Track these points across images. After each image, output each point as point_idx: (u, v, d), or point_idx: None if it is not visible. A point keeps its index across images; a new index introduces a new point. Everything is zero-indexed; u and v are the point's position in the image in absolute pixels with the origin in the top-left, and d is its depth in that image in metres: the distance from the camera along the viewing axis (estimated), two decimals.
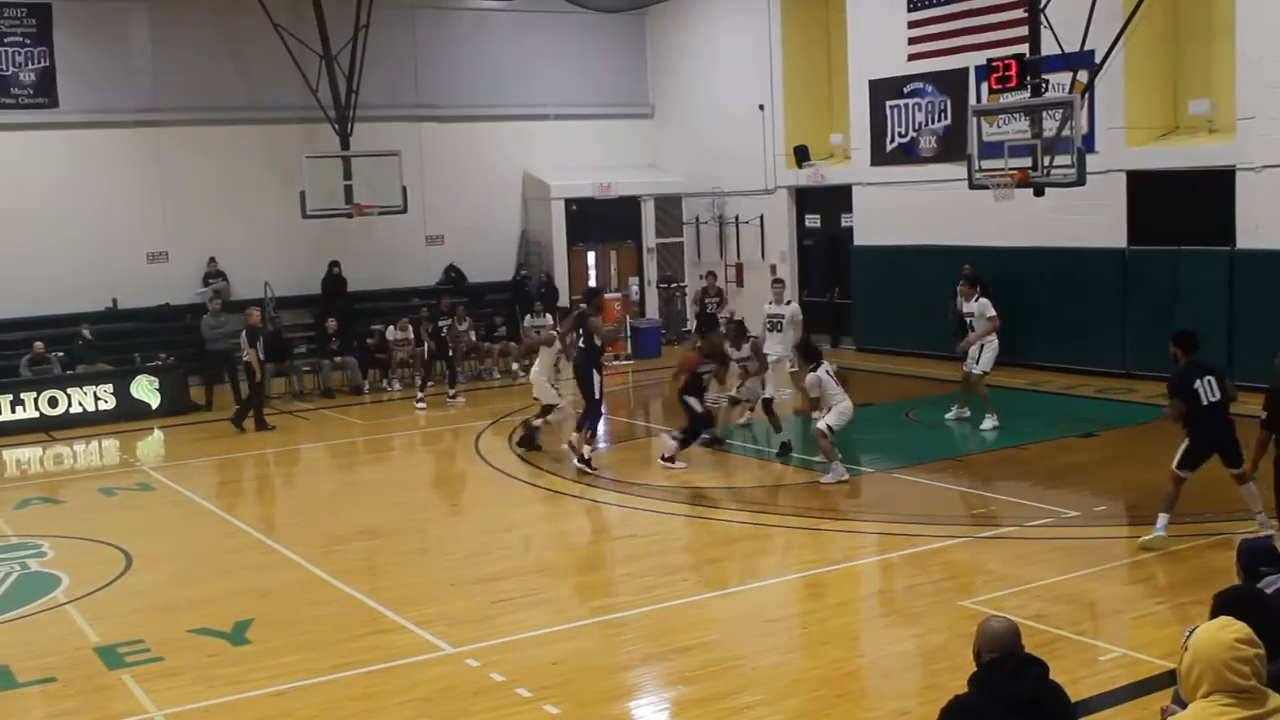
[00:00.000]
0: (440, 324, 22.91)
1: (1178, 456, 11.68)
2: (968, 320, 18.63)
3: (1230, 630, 4.45)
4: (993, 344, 17.89)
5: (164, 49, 26.29)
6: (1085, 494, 14.38)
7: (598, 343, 16.74)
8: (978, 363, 17.96)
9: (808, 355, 15.60)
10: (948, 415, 18.47)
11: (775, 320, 19.51)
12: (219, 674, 9.60)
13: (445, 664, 9.64)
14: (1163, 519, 11.69)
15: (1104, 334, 21.07)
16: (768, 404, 17.71)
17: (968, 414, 18.21)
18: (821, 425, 15.09)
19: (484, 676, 9.29)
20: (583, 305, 17.57)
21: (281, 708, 8.95)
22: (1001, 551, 12.03)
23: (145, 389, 22.27)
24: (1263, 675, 4.41)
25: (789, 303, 20.01)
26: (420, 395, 22.41)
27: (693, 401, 16.34)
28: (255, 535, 14.08)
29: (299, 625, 10.73)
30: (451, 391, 22.58)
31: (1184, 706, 4.54)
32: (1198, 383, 11.61)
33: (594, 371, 16.58)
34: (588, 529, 14.31)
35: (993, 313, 17.97)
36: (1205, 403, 11.58)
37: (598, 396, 16.58)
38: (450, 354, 23.15)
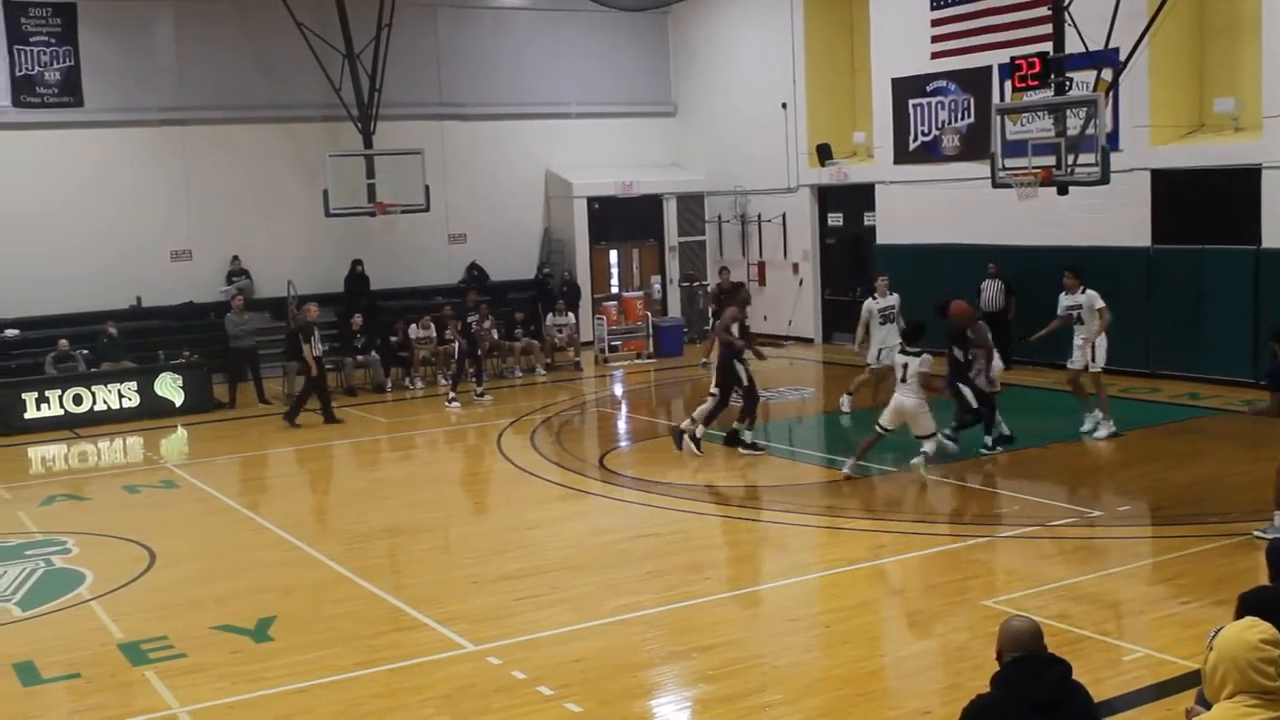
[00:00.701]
0: (469, 320, 22.86)
1: None
2: (1073, 315, 17.03)
3: (1256, 630, 4.43)
4: (1102, 338, 16.74)
5: (188, 48, 26.39)
6: (1109, 494, 14.35)
7: (735, 335, 17.03)
8: (1094, 360, 16.68)
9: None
10: (1084, 428, 17.06)
11: (887, 313, 19.35)
12: (242, 671, 9.64)
13: (467, 662, 9.65)
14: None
15: (1128, 333, 20.96)
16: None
17: (1109, 425, 16.85)
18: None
19: (505, 674, 9.31)
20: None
21: (304, 705, 8.98)
22: (1024, 551, 11.99)
23: (169, 387, 22.36)
24: None
25: (894, 294, 19.78)
26: (453, 394, 22.30)
27: (966, 390, 16.02)
28: (278, 533, 14.12)
29: (321, 622, 10.77)
30: (479, 389, 22.49)
31: (1208, 707, 4.52)
32: None
33: (736, 363, 16.80)
34: (610, 527, 14.30)
35: (1102, 303, 16.73)
36: None
37: (748, 383, 16.87)
38: (479, 352, 23.11)
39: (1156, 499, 14.00)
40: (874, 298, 19.61)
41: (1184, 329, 20.51)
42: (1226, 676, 4.38)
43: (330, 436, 20.11)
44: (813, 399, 21.99)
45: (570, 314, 26.96)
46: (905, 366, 14.85)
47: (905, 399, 14.83)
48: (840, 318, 28.23)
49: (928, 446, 14.86)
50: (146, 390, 22.17)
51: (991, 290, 22.58)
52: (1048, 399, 18.46)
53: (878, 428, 15.08)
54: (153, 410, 21.97)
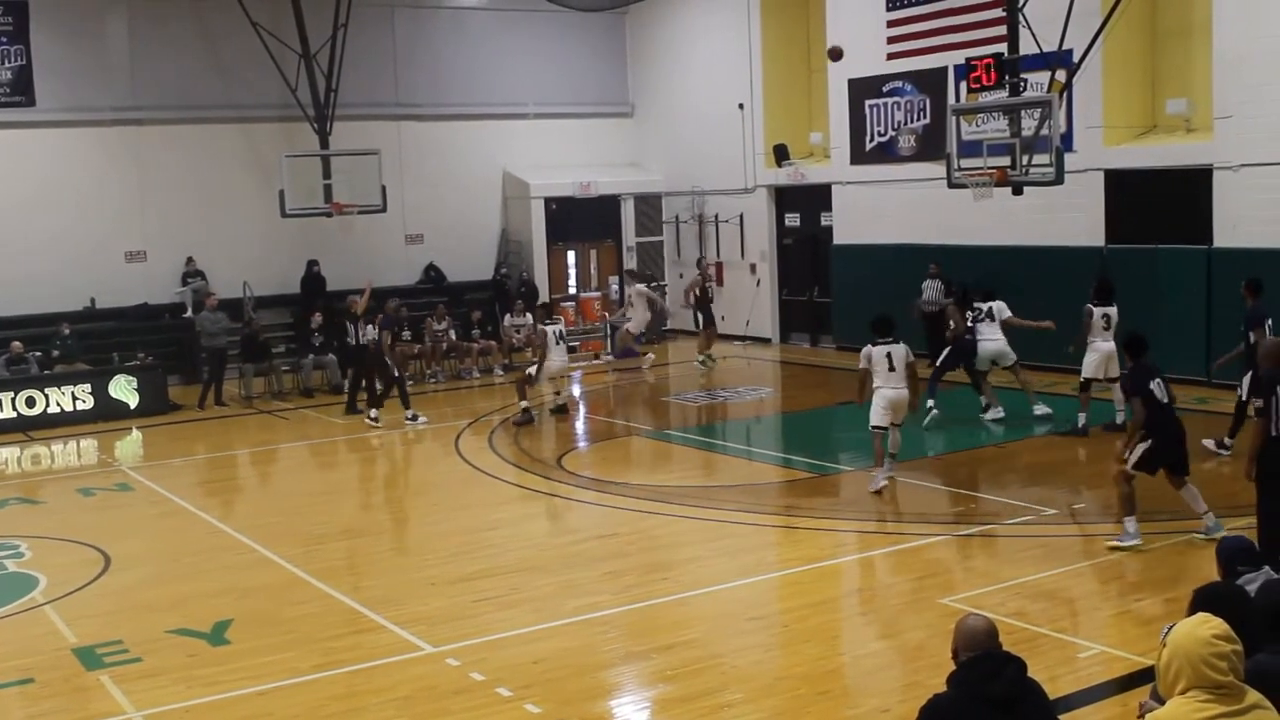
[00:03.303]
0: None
1: (1135, 457, 11.66)
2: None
3: (1208, 626, 4.48)
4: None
5: (142, 47, 26.19)
6: (1065, 492, 14.46)
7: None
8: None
9: None
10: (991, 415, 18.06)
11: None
12: (198, 674, 9.58)
13: (426, 663, 9.63)
14: (1132, 523, 11.70)
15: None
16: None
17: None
18: None
19: (465, 676, 9.29)
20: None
21: (262, 708, 8.93)
22: (981, 549, 12.07)
23: (124, 389, 22.18)
24: (1240, 671, 4.44)
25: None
26: (374, 414, 20.44)
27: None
28: (235, 535, 14.04)
29: (279, 625, 10.72)
30: (409, 413, 20.41)
31: (1162, 703, 4.56)
32: (1152, 384, 11.69)
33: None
34: (568, 528, 14.31)
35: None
36: (1163, 401, 11.67)
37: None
38: (394, 371, 20.92)
39: (1110, 497, 14.09)
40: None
41: (1138, 327, 20.60)
42: (1180, 672, 4.42)
43: (287, 438, 20.02)
44: (770, 398, 22.04)
45: (528, 315, 26.88)
46: (889, 356, 14.45)
47: (897, 391, 14.49)
48: (797, 318, 28.36)
49: (899, 434, 14.72)
50: (101, 392, 21.99)
51: (932, 290, 22.84)
52: (1003, 398, 18.57)
53: (875, 429, 14.52)
54: (107, 412, 21.79)
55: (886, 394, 14.43)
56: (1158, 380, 11.74)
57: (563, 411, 20.35)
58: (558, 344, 19.60)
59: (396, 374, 20.73)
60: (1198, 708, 4.37)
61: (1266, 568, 6.67)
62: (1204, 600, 5.34)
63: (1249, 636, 4.71)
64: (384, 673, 9.48)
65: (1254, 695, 4.47)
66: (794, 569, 11.91)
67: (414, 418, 20.23)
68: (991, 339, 17.83)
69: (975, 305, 18.11)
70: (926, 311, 22.34)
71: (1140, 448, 11.63)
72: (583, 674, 9.36)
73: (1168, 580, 10.70)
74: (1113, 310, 17.15)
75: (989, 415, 18.06)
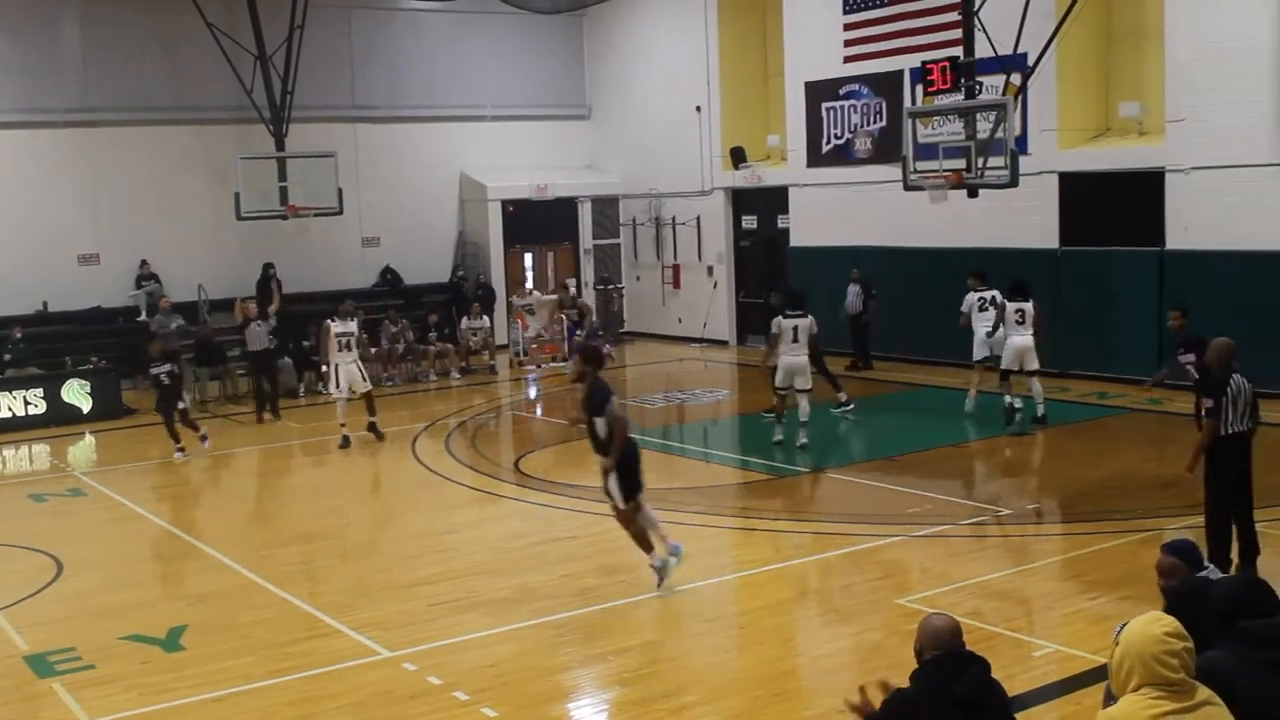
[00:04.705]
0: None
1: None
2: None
3: (1160, 624, 4.52)
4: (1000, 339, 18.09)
5: (95, 48, 25.96)
6: (1019, 492, 14.56)
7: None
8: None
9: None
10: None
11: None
12: (152, 681, 9.49)
13: (383, 668, 9.59)
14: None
15: (1037, 333, 21.27)
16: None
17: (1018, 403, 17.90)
18: None
19: (421, 680, 9.26)
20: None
21: (217, 714, 8.87)
22: (936, 549, 12.13)
23: (76, 393, 21.99)
24: (1190, 668, 4.48)
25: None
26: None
27: None
28: (189, 540, 13.94)
29: (234, 631, 10.64)
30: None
31: (1114, 701, 4.59)
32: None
33: None
34: (525, 531, 14.27)
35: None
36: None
37: None
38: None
39: (1065, 496, 14.23)
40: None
41: (1092, 329, 20.85)
42: (1132, 670, 4.46)
43: (243, 442, 19.88)
44: (727, 400, 22.08)
45: (485, 317, 26.86)
46: (795, 329, 16.45)
47: (797, 358, 16.45)
48: (755, 320, 28.40)
49: (806, 403, 16.70)
50: (53, 396, 21.78)
51: (853, 295, 23.18)
52: (960, 399, 18.68)
53: (778, 390, 16.72)
54: (59, 417, 21.58)
55: (786, 360, 16.54)
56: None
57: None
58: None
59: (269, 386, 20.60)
60: (1149, 704, 4.40)
61: (1211, 566, 6.72)
62: (1176, 594, 5.41)
63: (1203, 634, 4.76)
64: (340, 678, 9.43)
65: (1205, 692, 4.50)
66: (751, 570, 11.94)
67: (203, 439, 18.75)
68: (1021, 336, 17.75)
69: (998, 302, 18.27)
70: (851, 314, 23.39)
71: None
72: (540, 677, 9.34)
73: (1121, 579, 10.78)
74: (1028, 305, 17.70)
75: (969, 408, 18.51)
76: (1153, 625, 4.52)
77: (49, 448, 19.96)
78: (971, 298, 18.88)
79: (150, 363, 18.82)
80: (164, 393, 18.48)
